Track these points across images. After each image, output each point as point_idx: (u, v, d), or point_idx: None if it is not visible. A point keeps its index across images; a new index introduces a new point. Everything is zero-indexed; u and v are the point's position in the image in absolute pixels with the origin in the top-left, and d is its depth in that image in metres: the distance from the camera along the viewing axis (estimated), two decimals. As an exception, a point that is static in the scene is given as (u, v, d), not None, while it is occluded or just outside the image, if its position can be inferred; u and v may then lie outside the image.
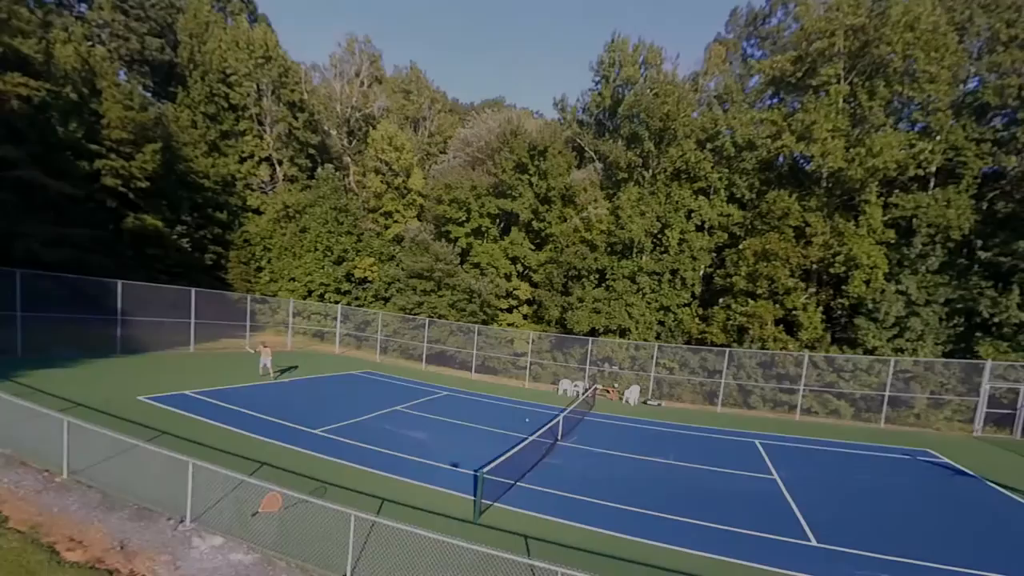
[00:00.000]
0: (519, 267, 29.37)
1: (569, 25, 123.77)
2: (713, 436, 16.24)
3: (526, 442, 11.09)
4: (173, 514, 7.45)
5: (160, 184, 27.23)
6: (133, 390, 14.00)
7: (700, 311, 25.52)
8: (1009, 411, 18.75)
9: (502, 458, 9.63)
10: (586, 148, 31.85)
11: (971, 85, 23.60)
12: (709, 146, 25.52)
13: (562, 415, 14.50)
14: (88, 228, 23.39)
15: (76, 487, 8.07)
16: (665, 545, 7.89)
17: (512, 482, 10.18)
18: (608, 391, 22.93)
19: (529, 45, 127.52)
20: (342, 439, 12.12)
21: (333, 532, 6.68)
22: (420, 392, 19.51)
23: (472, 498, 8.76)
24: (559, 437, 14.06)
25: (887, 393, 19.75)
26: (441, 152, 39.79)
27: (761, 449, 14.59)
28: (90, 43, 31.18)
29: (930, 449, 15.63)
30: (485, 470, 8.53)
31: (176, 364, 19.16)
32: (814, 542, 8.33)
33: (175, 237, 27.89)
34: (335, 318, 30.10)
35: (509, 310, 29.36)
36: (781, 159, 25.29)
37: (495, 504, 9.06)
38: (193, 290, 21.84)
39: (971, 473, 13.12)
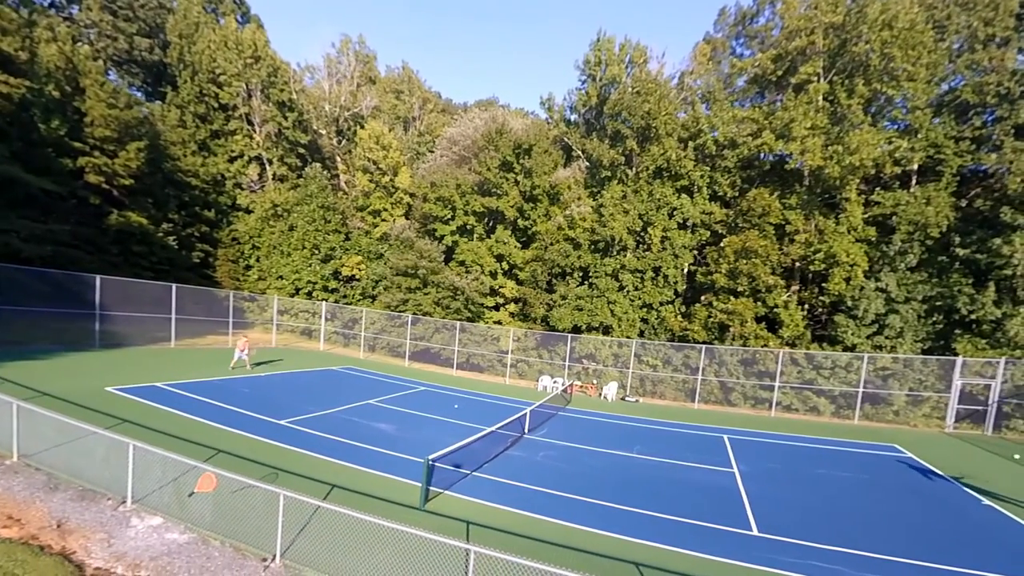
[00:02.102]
0: (505, 265, 29.46)
1: (564, 25, 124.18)
2: (684, 431, 16.29)
3: (483, 433, 11.15)
4: (115, 495, 7.56)
5: (146, 182, 27.43)
6: (104, 381, 14.11)
7: (683, 308, 25.56)
8: (983, 407, 18.78)
9: (453, 447, 9.71)
10: (573, 147, 31.94)
11: (954, 82, 23.62)
12: (691, 144, 25.59)
13: (530, 409, 14.57)
14: (71, 224, 23.56)
15: (24, 469, 8.17)
16: (606, 533, 7.94)
17: (467, 472, 10.26)
18: (586, 387, 23.00)
19: (523, 46, 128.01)
20: (306, 430, 12.20)
21: (270, 514, 6.76)
22: (397, 387, 19.59)
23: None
24: (526, 430, 14.14)
25: (861, 390, 19.80)
26: (430, 151, 39.96)
27: (728, 444, 14.65)
28: (78, 42, 31.37)
29: (898, 445, 15.67)
30: (431, 457, 8.61)
31: (154, 358, 19.25)
32: (755, 531, 8.39)
33: (161, 235, 28.04)
34: (321, 315, 30.22)
35: (496, 308, 29.43)
36: (768, 156, 25.32)
37: (445, 492, 9.13)
38: (174, 286, 21.94)
39: (930, 467, 13.17)
